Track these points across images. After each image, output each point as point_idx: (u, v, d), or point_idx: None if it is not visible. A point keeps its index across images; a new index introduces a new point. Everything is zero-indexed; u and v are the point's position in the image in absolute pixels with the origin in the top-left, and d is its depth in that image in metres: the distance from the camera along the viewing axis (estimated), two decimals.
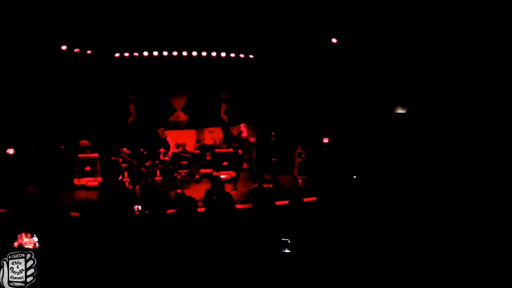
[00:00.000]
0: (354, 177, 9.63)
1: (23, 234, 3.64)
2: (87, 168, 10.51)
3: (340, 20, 10.39)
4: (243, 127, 11.40)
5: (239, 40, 11.62)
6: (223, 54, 12.43)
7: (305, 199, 6.26)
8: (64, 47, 10.91)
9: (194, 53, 12.22)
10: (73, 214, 5.22)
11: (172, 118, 13.37)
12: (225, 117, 13.87)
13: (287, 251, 4.57)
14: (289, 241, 4.57)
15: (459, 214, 6.00)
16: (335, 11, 10.01)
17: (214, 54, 12.38)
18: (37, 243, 3.65)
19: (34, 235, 3.66)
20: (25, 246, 3.60)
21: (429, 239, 5.26)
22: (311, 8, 9.86)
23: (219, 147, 12.11)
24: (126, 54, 12.04)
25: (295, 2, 9.77)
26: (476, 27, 8.73)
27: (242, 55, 12.77)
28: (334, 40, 11.11)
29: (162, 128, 11.36)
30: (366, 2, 9.79)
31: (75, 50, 11.20)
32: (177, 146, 11.42)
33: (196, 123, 13.29)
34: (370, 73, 10.80)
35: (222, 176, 10.28)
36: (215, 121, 13.44)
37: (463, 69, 9.18)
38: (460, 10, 8.82)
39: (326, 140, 11.35)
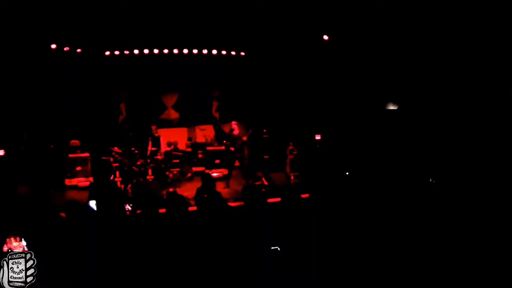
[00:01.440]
0: (347, 173, 9.65)
1: (12, 238, 3.60)
2: (78, 168, 10.45)
3: (331, 18, 10.38)
4: (234, 124, 11.36)
5: (231, 38, 11.57)
6: (214, 52, 12.37)
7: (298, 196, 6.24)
8: (53, 46, 10.81)
9: (185, 51, 12.15)
10: (63, 214, 5.18)
11: (163, 116, 13.29)
12: (216, 114, 13.83)
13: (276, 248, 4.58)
14: (279, 249, 4.58)
15: (449, 210, 6.05)
16: (326, 9, 10.00)
17: (205, 51, 12.31)
18: (25, 247, 3.61)
19: (23, 239, 3.62)
20: (14, 251, 3.56)
21: (421, 233, 5.30)
22: (302, 5, 9.84)
23: (211, 145, 12.10)
24: (117, 53, 11.95)
25: None
26: (464, 26, 8.78)
27: (233, 53, 12.72)
28: (325, 37, 11.10)
29: (155, 126, 11.29)
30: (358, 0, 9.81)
31: (65, 49, 11.10)
32: (169, 144, 11.36)
33: (188, 121, 13.23)
34: (362, 70, 10.82)
35: (214, 174, 10.25)
36: (206, 119, 13.40)
37: (453, 66, 9.23)
38: (449, 9, 8.87)
39: (318, 137, 11.35)
